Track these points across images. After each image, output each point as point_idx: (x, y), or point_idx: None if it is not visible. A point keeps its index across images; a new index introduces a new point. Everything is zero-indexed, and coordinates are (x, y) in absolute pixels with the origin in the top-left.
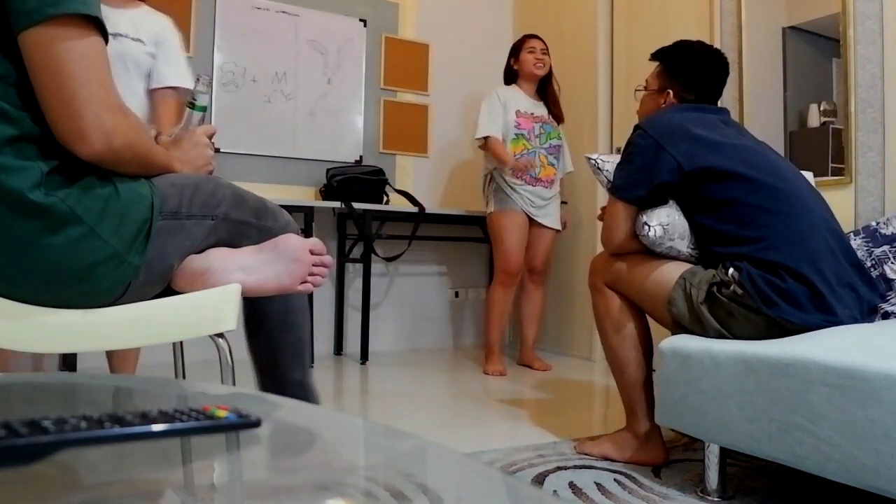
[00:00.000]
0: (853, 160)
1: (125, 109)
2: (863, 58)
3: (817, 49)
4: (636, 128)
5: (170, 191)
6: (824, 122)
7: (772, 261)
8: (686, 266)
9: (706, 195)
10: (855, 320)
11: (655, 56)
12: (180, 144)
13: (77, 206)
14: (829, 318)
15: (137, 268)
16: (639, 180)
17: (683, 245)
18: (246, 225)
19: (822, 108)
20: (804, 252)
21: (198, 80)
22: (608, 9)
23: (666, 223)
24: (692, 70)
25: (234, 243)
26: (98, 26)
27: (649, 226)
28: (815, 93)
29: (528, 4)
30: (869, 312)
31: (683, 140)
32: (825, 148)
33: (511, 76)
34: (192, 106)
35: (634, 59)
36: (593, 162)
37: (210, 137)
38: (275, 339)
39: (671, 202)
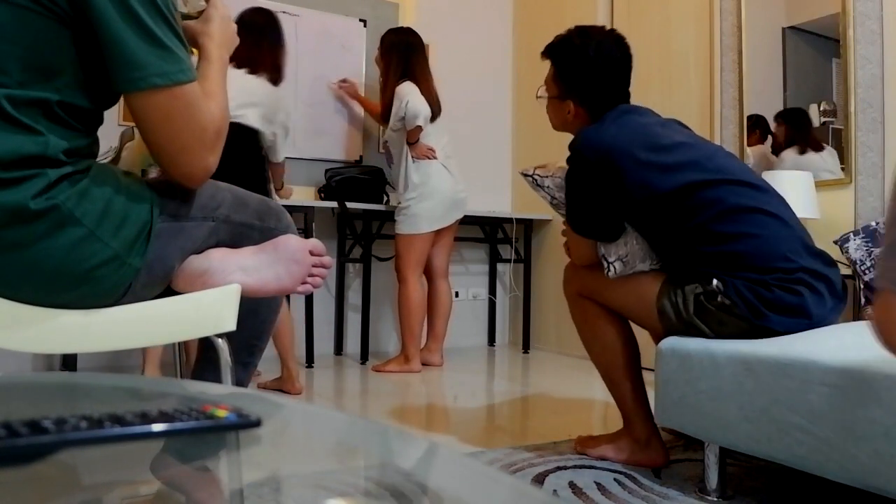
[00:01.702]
0: (853, 160)
1: (217, 129)
2: (863, 58)
3: (817, 49)
4: (574, 151)
5: (169, 193)
6: (824, 122)
7: (758, 272)
8: (662, 276)
9: (672, 220)
10: (830, 313)
11: (546, 54)
12: (210, 21)
13: (77, 208)
14: (805, 321)
15: (138, 269)
16: (598, 217)
17: (646, 266)
18: (248, 227)
19: (822, 108)
20: (785, 257)
21: None
22: (608, 9)
23: (624, 255)
24: (588, 75)
25: (235, 245)
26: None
27: (608, 262)
28: (815, 93)
29: (528, 4)
30: (841, 297)
31: (631, 166)
32: None
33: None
34: None
35: (635, 58)
36: (531, 179)
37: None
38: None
39: (627, 228)
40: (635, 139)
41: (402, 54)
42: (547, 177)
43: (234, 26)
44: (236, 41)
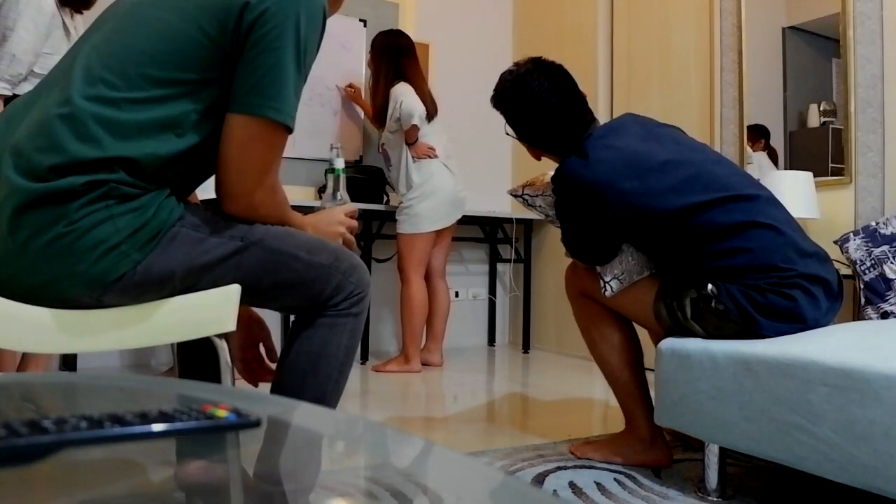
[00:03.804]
0: (853, 160)
1: (276, 188)
2: (863, 58)
3: (817, 49)
4: (559, 186)
5: (201, 210)
6: (824, 122)
7: (753, 278)
8: (658, 280)
9: (664, 243)
10: (826, 314)
11: (495, 106)
12: (320, 214)
13: (113, 193)
14: (800, 326)
15: (136, 263)
16: (590, 244)
17: (644, 275)
18: (289, 256)
19: (822, 108)
20: (778, 267)
21: (333, 149)
22: (608, 9)
23: (620, 273)
24: (532, 124)
25: (269, 274)
26: (287, 126)
27: (604, 281)
28: (815, 93)
29: (528, 4)
30: (837, 297)
31: (617, 198)
32: (825, 148)
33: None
34: (332, 171)
35: (634, 59)
36: (521, 199)
37: (353, 217)
38: (297, 378)
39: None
40: (618, 167)
41: (393, 56)
42: (537, 195)
43: (338, 230)
44: (337, 239)
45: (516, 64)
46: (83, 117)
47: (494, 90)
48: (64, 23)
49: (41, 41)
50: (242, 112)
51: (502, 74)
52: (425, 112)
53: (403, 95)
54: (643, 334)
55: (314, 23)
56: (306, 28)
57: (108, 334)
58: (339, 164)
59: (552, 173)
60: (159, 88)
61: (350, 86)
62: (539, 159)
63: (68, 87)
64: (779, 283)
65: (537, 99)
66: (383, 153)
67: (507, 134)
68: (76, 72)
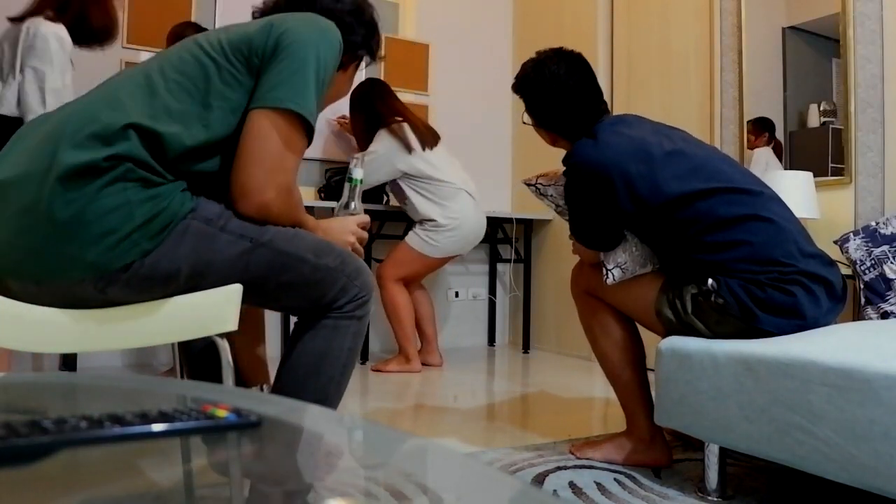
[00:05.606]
0: (853, 160)
1: (291, 191)
2: (863, 58)
3: (817, 49)
4: (569, 166)
5: (215, 207)
6: (824, 122)
7: (753, 272)
8: (661, 277)
9: (667, 231)
10: (826, 314)
11: (514, 90)
12: (332, 221)
13: (132, 174)
14: (798, 321)
15: (145, 252)
16: (596, 229)
17: (647, 269)
18: (297, 259)
19: (822, 108)
20: (779, 261)
21: (353, 158)
22: (608, 9)
23: (623, 262)
24: (550, 108)
25: (275, 275)
26: (307, 127)
27: (607, 269)
28: (815, 93)
29: (528, 4)
30: (840, 299)
31: (624, 180)
32: (825, 148)
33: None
34: (350, 180)
35: (634, 59)
36: (534, 188)
37: (364, 228)
38: (300, 378)
39: (626, 235)
40: (627, 152)
41: (365, 106)
42: (550, 185)
43: (349, 239)
44: (346, 248)
45: (538, 52)
46: (120, 94)
47: (516, 76)
48: (71, 60)
49: (63, 77)
50: (264, 106)
51: (524, 62)
52: (394, 168)
53: (373, 153)
54: (647, 335)
55: (333, 51)
56: (326, 51)
57: (109, 334)
58: (358, 174)
59: None
60: (192, 85)
61: (343, 116)
62: (554, 144)
63: (116, 84)
64: (779, 277)
65: (555, 80)
66: (395, 191)
67: (524, 122)
68: (124, 74)
